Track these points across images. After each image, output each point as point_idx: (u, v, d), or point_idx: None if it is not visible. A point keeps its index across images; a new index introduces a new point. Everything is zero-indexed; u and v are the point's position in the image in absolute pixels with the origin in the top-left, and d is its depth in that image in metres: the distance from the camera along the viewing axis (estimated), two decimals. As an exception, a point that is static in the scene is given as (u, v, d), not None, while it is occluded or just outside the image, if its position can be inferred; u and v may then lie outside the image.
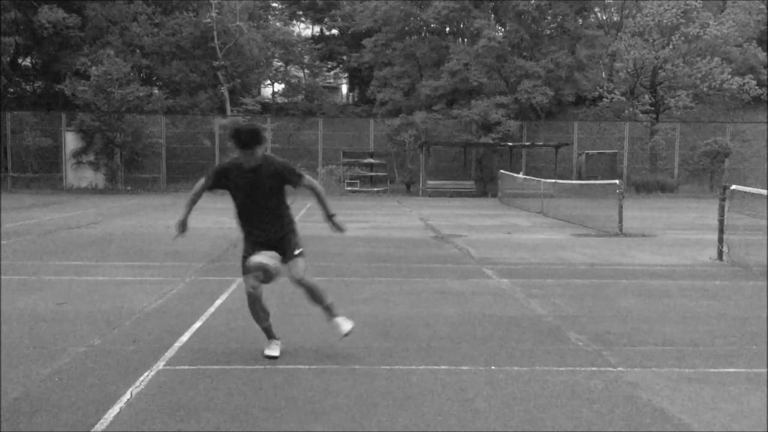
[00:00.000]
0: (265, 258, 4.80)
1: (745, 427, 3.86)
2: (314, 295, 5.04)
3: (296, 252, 4.98)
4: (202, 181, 5.07)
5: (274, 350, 5.10)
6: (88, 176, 31.99)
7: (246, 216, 5.01)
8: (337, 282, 8.17)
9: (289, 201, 5.10)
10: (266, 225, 4.97)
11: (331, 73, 51.26)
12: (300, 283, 4.95)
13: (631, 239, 13.40)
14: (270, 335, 5.21)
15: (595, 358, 5.17)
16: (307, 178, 4.98)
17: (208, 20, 36.49)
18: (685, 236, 14.19)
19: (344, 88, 55.03)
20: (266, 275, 4.80)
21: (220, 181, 4.97)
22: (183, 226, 5.23)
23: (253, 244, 4.99)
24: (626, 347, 5.47)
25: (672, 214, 20.90)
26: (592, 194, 18.79)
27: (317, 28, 53.23)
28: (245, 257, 4.98)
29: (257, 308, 5.02)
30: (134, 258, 10.23)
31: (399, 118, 34.24)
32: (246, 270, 4.94)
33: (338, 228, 5.19)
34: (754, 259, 9.93)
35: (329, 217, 5.15)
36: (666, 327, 6.18)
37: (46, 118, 34.37)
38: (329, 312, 5.13)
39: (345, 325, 5.07)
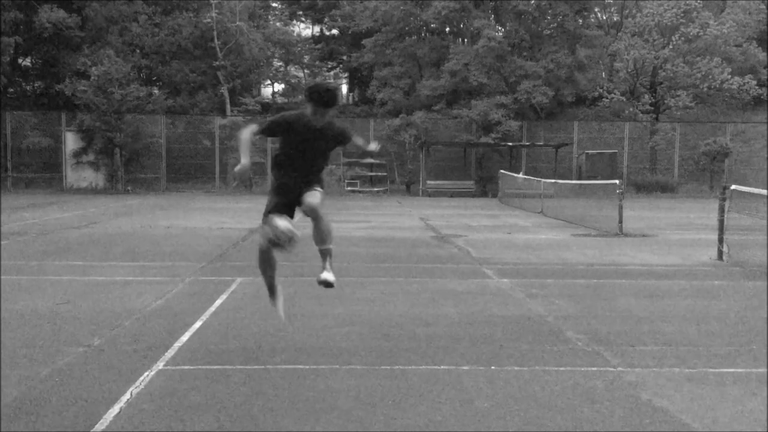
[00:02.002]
0: (288, 224, 4.86)
1: (745, 427, 3.86)
2: (320, 232, 5.05)
3: (317, 187, 5.12)
4: (253, 127, 5.12)
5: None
6: (88, 176, 31.96)
7: (289, 166, 5.12)
8: (337, 282, 8.15)
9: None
10: (305, 176, 5.10)
11: (331, 73, 51.21)
12: (312, 211, 4.98)
13: (631, 239, 13.40)
14: (272, 291, 5.26)
15: (595, 358, 5.17)
16: (355, 136, 5.38)
17: (208, 20, 36.47)
18: (685, 236, 14.18)
19: (344, 88, 55.01)
20: (285, 242, 4.83)
21: (280, 129, 5.06)
22: (245, 172, 4.99)
23: (282, 194, 5.10)
24: (626, 347, 5.47)
25: (672, 214, 20.89)
26: (592, 194, 18.77)
27: (317, 28, 53.19)
28: (270, 205, 5.06)
29: (269, 257, 5.09)
30: (134, 258, 10.23)
31: (399, 118, 34.20)
32: (268, 222, 5.00)
33: (371, 151, 5.67)
34: (754, 260, 9.93)
35: (365, 150, 5.59)
36: (666, 327, 6.18)
37: (46, 118, 34.33)
38: (324, 258, 5.15)
39: (329, 276, 5.14)
